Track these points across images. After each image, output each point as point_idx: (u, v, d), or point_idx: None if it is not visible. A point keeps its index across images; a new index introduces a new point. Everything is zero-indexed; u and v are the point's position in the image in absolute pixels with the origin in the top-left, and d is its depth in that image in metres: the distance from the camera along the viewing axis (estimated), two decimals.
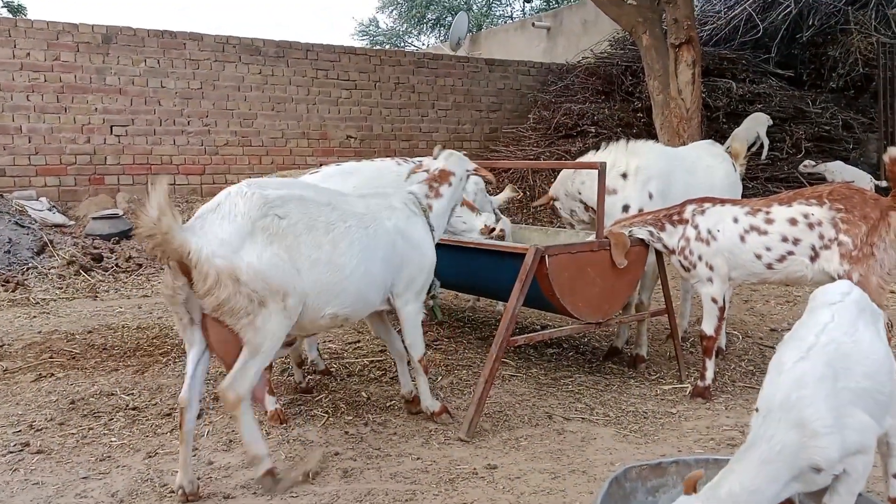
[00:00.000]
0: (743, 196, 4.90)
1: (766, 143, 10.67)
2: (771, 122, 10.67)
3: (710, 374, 3.96)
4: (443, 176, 3.63)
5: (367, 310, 3.28)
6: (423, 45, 27.47)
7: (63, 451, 3.23)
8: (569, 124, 11.43)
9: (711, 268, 3.84)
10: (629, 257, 3.97)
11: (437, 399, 3.66)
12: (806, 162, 10.07)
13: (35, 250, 7.14)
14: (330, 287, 2.94)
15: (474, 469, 3.06)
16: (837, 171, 9.52)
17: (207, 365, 2.90)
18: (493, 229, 4.54)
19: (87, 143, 9.41)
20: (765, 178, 10.46)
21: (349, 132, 11.35)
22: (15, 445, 3.25)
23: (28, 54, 9.02)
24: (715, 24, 12.24)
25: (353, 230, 3.04)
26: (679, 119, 8.36)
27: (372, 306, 3.28)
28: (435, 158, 3.76)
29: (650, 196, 4.47)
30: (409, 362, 3.62)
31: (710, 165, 4.84)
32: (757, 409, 2.03)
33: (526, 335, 3.91)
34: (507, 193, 6.32)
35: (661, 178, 4.51)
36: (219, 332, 2.76)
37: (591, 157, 4.59)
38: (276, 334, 2.78)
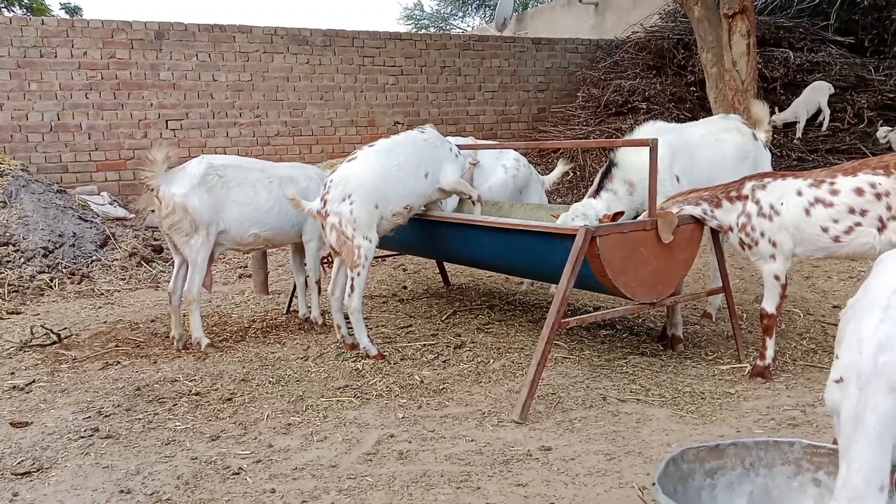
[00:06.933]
0: (802, 168, 4.72)
1: (828, 112, 10.28)
2: (832, 91, 10.27)
3: (770, 354, 3.87)
4: None
5: (283, 237, 4.94)
6: (469, 27, 27.28)
7: (130, 435, 3.36)
8: (619, 101, 11.21)
9: (774, 244, 3.74)
10: (682, 236, 3.89)
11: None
12: (882, 130, 9.60)
13: (98, 243, 7.39)
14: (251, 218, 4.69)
15: (528, 451, 3.07)
16: None
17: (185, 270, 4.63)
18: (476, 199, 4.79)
19: (143, 137, 9.68)
20: (825, 150, 10.08)
21: (396, 118, 11.38)
22: (85, 430, 3.39)
23: (85, 53, 9.31)
24: None
25: (273, 185, 4.75)
26: (734, 92, 8.10)
27: (287, 235, 4.92)
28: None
29: (677, 179, 4.38)
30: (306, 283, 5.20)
31: (719, 139, 4.68)
32: (840, 380, 1.97)
33: (578, 317, 3.88)
34: (559, 169, 6.24)
35: (682, 157, 4.42)
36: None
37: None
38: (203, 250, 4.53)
